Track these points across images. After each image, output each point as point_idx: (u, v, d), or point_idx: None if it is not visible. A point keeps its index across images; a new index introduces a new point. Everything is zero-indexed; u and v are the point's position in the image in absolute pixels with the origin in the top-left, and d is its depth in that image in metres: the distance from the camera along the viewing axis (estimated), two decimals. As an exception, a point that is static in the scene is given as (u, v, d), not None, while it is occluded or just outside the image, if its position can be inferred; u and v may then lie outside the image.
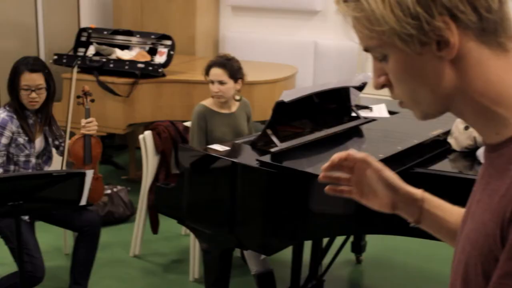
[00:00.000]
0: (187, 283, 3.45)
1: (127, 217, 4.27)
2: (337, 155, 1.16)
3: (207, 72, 3.34)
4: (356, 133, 3.12)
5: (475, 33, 0.81)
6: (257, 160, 2.51)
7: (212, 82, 3.30)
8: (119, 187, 4.34)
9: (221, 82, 3.28)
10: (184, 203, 2.80)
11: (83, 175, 2.42)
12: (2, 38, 4.47)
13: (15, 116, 2.95)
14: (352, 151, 1.16)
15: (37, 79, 2.97)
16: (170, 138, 3.62)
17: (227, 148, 2.77)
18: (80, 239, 3.17)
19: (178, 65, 4.76)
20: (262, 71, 4.80)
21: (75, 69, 3.71)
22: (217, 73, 3.28)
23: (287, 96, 2.79)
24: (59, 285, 3.28)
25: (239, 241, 2.62)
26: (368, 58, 4.99)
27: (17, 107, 2.96)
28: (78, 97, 3.41)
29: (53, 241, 3.77)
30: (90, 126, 3.18)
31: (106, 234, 4.01)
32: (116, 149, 5.76)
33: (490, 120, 0.84)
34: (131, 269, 3.60)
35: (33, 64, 3.00)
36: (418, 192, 1.15)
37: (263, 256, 2.96)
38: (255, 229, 2.58)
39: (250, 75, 4.42)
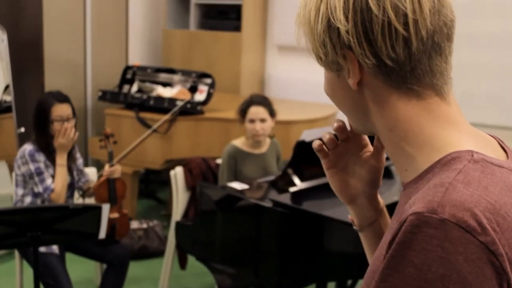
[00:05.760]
0: (211, 321, 3.44)
1: (161, 252, 4.30)
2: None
3: (244, 111, 3.32)
4: (386, 173, 3.07)
5: (380, 75, 0.80)
6: (271, 199, 2.50)
7: (253, 121, 3.27)
8: (155, 222, 4.39)
9: (263, 120, 3.26)
10: (202, 240, 2.82)
11: (99, 208, 2.47)
12: (52, 75, 4.66)
13: (39, 150, 3.03)
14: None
15: (66, 109, 3.06)
16: (201, 175, 3.65)
17: (245, 186, 2.79)
18: (109, 271, 3.22)
19: (221, 103, 4.82)
20: (303, 110, 4.80)
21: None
22: (258, 111, 3.26)
23: (308, 136, 2.79)
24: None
25: (260, 281, 2.60)
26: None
27: (47, 140, 3.04)
28: (100, 140, 3.46)
29: (85, 273, 3.84)
30: (114, 171, 3.24)
31: (139, 268, 4.07)
32: (161, 184, 5.85)
33: (401, 155, 0.83)
34: (157, 304, 3.62)
35: (59, 95, 3.09)
36: (381, 202, 1.05)
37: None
38: (271, 269, 2.56)
39: (289, 114, 4.41)
